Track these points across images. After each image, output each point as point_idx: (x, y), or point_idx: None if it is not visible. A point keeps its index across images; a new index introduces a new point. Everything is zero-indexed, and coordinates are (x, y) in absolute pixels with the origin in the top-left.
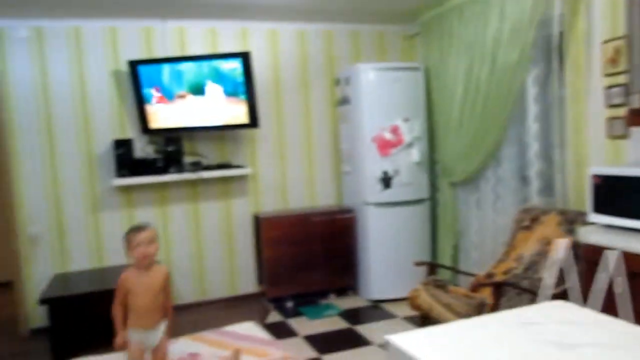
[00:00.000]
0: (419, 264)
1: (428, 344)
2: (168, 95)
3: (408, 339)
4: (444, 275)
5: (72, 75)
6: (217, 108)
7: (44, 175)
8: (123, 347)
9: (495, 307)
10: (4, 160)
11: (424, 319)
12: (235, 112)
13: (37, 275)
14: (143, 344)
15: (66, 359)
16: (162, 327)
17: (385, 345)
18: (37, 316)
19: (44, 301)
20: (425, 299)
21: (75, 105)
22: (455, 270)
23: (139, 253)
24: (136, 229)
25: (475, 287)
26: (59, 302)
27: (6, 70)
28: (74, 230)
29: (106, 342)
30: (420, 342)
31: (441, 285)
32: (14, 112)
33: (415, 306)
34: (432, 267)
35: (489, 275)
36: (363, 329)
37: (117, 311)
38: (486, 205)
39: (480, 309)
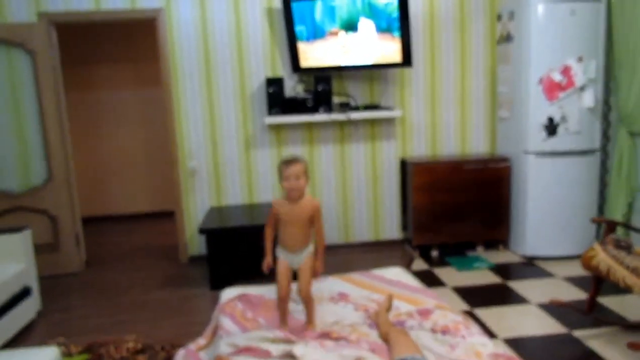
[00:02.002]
0: (596, 220)
1: None
2: (320, 33)
3: None
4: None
5: (229, 13)
6: (369, 45)
7: (203, 112)
8: (269, 270)
9: None
10: (169, 98)
11: (598, 282)
12: (388, 50)
13: (195, 207)
14: (287, 263)
15: (222, 286)
16: (307, 251)
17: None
18: (195, 245)
19: (202, 231)
20: (604, 260)
21: (231, 43)
22: (638, 231)
23: (286, 186)
24: (286, 162)
25: None
26: (215, 233)
27: (171, 9)
28: (228, 166)
29: (257, 274)
30: None
31: (624, 246)
32: (178, 51)
33: (589, 267)
34: (611, 225)
35: None
36: (518, 286)
37: (267, 234)
38: None
39: None
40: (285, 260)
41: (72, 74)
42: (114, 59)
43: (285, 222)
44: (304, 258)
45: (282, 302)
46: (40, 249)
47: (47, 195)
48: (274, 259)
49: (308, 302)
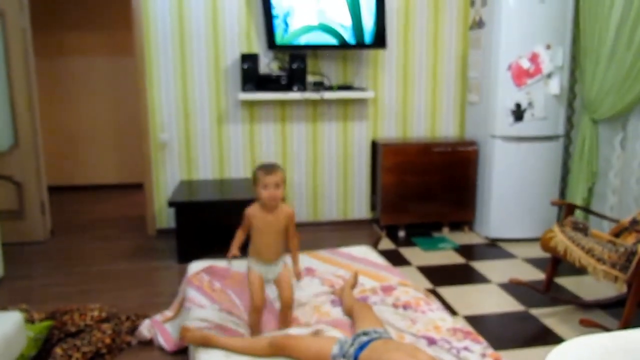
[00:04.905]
0: (556, 203)
1: None
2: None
3: None
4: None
5: None
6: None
7: (175, 85)
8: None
9: None
10: (142, 68)
11: (556, 262)
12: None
13: (165, 180)
14: (262, 275)
15: (189, 259)
16: (282, 262)
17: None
18: (163, 218)
19: (172, 204)
20: (562, 241)
21: (207, 16)
22: (595, 214)
23: (265, 195)
24: (265, 170)
25: (617, 234)
26: (185, 206)
27: None
28: (200, 140)
29: (225, 249)
30: None
31: (581, 228)
32: (152, 21)
33: (548, 247)
34: (570, 208)
35: (635, 222)
36: (480, 266)
37: (238, 235)
38: (634, 145)
39: (628, 258)
40: (259, 272)
41: (42, 39)
42: (85, 25)
43: (259, 232)
44: (279, 269)
45: (256, 313)
46: (4, 216)
47: (12, 161)
48: (245, 267)
49: (290, 308)
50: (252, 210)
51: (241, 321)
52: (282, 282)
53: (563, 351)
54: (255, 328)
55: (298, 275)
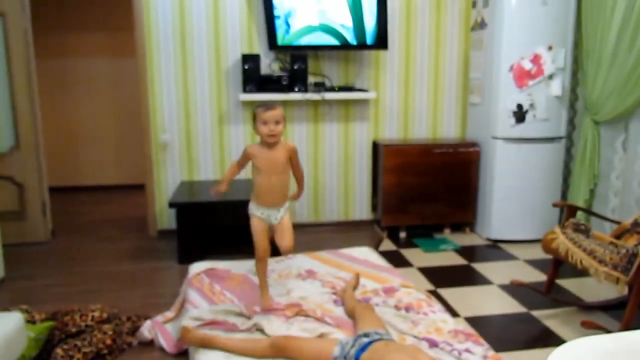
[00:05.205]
0: (557, 204)
1: None
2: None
3: None
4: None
5: None
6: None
7: (177, 85)
8: (217, 193)
9: None
10: (143, 69)
11: (558, 264)
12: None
13: (166, 181)
14: (264, 221)
15: (190, 260)
16: (285, 207)
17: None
18: (165, 219)
19: (172, 205)
20: (563, 243)
21: (208, 17)
22: (597, 216)
23: (265, 131)
24: (265, 106)
25: (618, 236)
26: (186, 207)
27: None
28: (201, 141)
29: (227, 250)
30: None
31: (583, 230)
32: (153, 22)
33: (549, 249)
34: (571, 210)
35: (636, 224)
36: (481, 268)
37: (231, 168)
38: (636, 147)
39: (630, 260)
40: (262, 217)
41: (43, 40)
42: (86, 26)
43: (261, 172)
44: (282, 214)
45: (261, 263)
46: (5, 216)
47: (13, 161)
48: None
49: (287, 255)
50: (252, 149)
51: (236, 306)
52: (285, 227)
53: (564, 352)
54: (262, 280)
55: (295, 197)
